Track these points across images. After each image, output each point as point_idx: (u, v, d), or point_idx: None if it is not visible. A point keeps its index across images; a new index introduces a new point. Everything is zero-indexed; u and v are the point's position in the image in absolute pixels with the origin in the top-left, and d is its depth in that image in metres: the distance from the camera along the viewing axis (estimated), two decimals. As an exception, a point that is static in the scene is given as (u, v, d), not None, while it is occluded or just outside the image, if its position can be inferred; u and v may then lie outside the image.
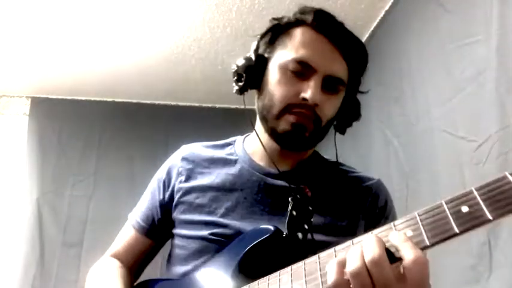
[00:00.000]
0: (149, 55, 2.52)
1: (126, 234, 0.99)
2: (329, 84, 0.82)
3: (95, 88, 2.88)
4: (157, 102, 3.05)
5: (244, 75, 0.87)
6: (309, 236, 0.78)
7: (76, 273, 2.56)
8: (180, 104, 3.09)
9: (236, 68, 0.88)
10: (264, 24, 0.91)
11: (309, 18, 0.84)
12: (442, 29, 1.61)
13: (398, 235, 0.53)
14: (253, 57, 0.87)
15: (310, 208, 0.80)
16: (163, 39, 2.38)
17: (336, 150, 0.92)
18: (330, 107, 0.84)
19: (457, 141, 1.45)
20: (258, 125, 0.91)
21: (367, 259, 0.52)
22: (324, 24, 0.84)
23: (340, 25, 0.85)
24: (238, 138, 0.98)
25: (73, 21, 2.22)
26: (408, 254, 0.51)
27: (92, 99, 3.00)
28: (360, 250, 0.53)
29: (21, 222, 2.70)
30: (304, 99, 0.80)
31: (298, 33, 0.85)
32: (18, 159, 2.82)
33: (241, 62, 0.88)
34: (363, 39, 2.33)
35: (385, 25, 2.12)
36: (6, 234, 2.67)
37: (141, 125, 2.97)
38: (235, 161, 0.92)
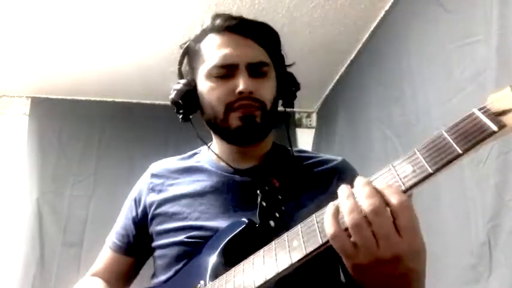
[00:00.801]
0: (149, 55, 2.52)
1: (104, 256, 1.02)
2: (254, 71, 0.88)
3: (95, 88, 2.87)
4: (157, 102, 3.04)
5: (180, 102, 0.92)
6: (281, 223, 0.80)
7: (76, 273, 2.54)
8: (180, 104, 3.08)
9: (172, 99, 0.94)
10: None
11: (210, 25, 0.90)
12: (442, 29, 1.61)
13: (381, 182, 0.56)
14: (182, 84, 0.93)
15: (280, 197, 0.84)
16: (163, 39, 2.38)
17: (289, 137, 0.97)
18: (265, 90, 0.89)
19: (457, 141, 1.45)
20: (213, 140, 0.97)
21: (368, 209, 0.53)
22: (224, 23, 0.89)
23: (239, 18, 0.91)
24: (203, 147, 1.02)
25: (73, 21, 2.22)
26: (393, 198, 0.53)
27: (92, 99, 3.00)
28: (354, 202, 0.55)
29: (21, 222, 2.69)
30: (240, 92, 0.85)
31: (207, 43, 0.90)
32: (18, 159, 2.82)
33: (174, 91, 0.93)
34: (363, 39, 2.33)
35: (385, 25, 2.12)
36: (6, 234, 2.67)
37: (141, 125, 2.96)
38: (203, 167, 0.96)
